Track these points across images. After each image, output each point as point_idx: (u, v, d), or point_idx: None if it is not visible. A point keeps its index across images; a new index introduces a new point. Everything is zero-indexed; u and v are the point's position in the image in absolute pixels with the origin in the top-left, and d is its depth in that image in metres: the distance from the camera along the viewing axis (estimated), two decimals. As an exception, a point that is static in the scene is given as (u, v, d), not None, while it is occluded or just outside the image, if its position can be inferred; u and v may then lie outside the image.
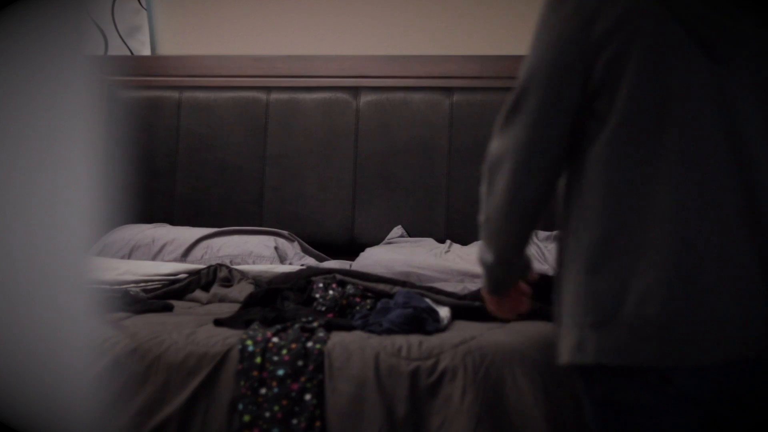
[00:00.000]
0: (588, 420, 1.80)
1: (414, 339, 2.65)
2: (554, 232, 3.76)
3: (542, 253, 3.65)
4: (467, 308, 2.99)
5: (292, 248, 3.91)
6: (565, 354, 1.74)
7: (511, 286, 1.93)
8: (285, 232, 4.00)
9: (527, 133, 1.73)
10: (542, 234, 3.76)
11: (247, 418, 2.39)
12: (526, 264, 1.91)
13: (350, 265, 3.77)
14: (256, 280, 3.44)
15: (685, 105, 1.69)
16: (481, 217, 1.82)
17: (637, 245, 1.69)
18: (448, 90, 4.03)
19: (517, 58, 4.04)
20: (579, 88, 1.72)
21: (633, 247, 1.69)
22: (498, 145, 1.77)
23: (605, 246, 1.70)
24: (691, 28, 1.68)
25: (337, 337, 2.70)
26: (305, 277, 3.22)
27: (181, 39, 4.44)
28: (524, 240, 1.84)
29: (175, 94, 4.27)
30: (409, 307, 2.82)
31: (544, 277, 3.23)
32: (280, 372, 2.60)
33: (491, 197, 1.78)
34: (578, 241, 1.74)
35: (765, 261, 1.70)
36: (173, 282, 3.52)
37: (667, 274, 1.67)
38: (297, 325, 2.77)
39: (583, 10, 1.70)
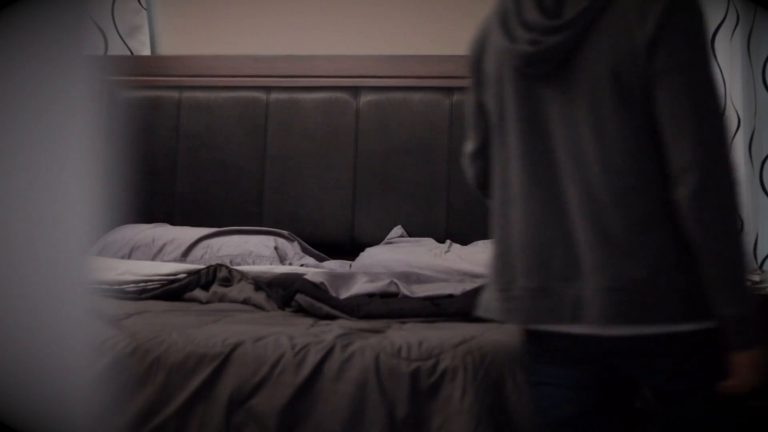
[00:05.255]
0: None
1: (414, 339, 2.65)
2: None
3: None
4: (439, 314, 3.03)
5: (291, 248, 3.91)
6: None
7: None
8: (285, 232, 4.00)
9: None
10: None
11: None
12: None
13: (350, 266, 3.76)
14: (255, 280, 3.44)
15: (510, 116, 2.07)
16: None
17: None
18: (448, 90, 4.03)
19: (517, 58, 4.04)
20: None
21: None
22: None
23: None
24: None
25: (337, 339, 2.70)
26: (291, 293, 3.23)
27: (181, 39, 4.44)
28: None
29: (174, 94, 4.27)
30: None
31: None
32: None
33: None
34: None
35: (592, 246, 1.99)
36: (173, 282, 3.52)
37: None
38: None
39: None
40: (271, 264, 3.76)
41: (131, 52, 4.41)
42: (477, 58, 2.16)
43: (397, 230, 3.99)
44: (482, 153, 2.18)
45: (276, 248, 3.86)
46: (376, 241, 3.97)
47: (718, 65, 3.88)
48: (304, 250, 3.95)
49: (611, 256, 1.95)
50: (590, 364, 2.06)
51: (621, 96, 1.94)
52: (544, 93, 2.02)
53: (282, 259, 3.83)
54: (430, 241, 3.88)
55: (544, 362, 2.10)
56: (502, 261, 2.08)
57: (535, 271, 2.03)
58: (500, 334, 2.71)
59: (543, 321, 2.04)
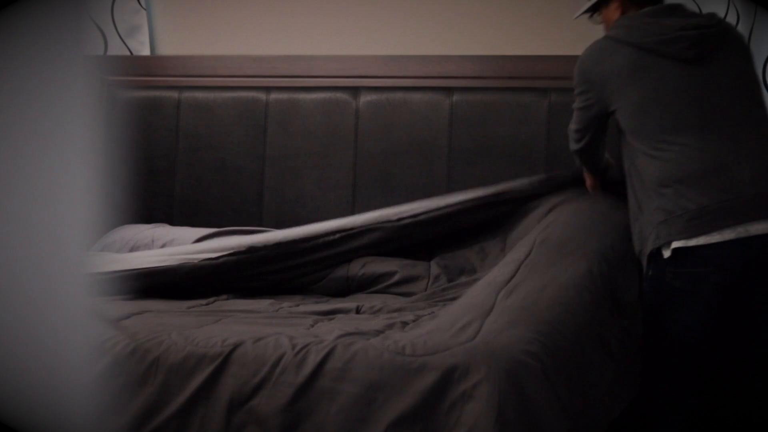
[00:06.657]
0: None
1: (417, 338, 2.65)
2: None
3: None
4: None
5: (291, 248, 3.91)
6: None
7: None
8: (285, 232, 4.00)
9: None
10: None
11: None
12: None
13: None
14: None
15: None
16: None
17: None
18: (448, 90, 4.03)
19: (517, 59, 4.05)
20: None
21: None
22: None
23: None
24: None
25: (338, 339, 2.70)
26: None
27: (181, 39, 4.44)
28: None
29: (174, 94, 4.27)
30: None
31: None
32: None
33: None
34: None
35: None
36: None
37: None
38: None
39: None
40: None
41: (131, 52, 4.41)
42: None
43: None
44: None
45: (276, 248, 3.86)
46: (375, 241, 3.97)
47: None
48: (304, 250, 3.95)
49: None
50: None
51: None
52: None
53: (282, 259, 3.83)
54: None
55: None
56: None
57: None
58: (508, 327, 2.71)
59: None
